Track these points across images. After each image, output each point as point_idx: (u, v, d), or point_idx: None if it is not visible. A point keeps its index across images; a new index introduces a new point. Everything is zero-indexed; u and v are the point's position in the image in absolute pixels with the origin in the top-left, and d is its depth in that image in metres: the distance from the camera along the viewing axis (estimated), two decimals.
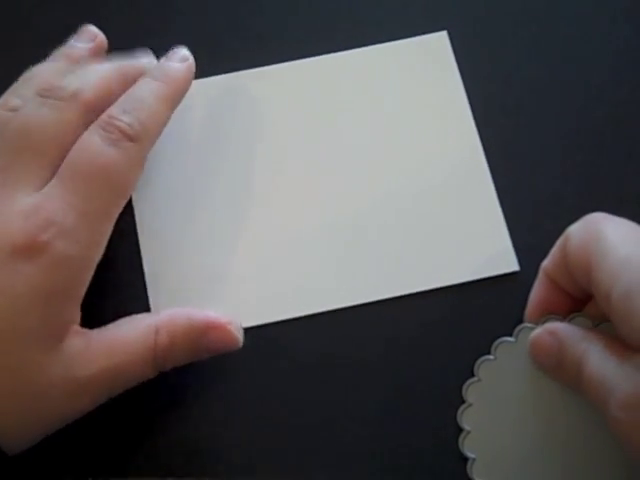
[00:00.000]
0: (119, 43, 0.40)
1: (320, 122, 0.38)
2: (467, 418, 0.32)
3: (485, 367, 0.33)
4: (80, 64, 0.36)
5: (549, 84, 0.39)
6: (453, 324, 0.35)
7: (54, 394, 0.29)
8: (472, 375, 0.33)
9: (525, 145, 0.38)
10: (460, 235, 0.36)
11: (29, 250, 0.29)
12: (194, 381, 0.34)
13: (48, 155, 0.32)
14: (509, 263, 0.36)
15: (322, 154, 0.38)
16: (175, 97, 0.35)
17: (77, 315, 0.30)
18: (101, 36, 0.38)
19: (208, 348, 0.32)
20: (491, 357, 0.33)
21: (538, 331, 0.31)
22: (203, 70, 0.39)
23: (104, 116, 0.32)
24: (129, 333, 0.31)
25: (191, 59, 0.36)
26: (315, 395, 0.34)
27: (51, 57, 0.37)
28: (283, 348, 0.35)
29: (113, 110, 0.33)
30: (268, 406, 0.34)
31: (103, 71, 0.35)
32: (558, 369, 0.30)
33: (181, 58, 0.36)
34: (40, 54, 0.40)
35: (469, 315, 0.35)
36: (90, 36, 0.37)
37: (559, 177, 0.37)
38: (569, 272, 0.31)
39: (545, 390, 0.31)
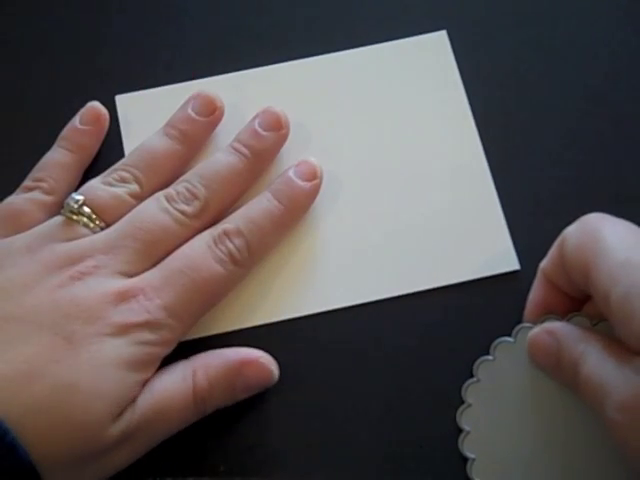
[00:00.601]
0: (119, 43, 0.40)
1: (319, 121, 0.38)
2: (466, 418, 0.32)
3: (484, 367, 0.33)
4: (198, 145, 0.37)
5: (549, 84, 0.39)
6: (454, 323, 0.35)
7: (107, 452, 0.30)
8: (472, 375, 0.33)
9: (525, 145, 0.38)
10: (460, 234, 0.36)
11: (120, 328, 0.31)
12: None
13: (155, 253, 0.33)
14: (510, 262, 0.36)
15: (322, 153, 0.38)
16: (292, 223, 0.36)
17: (139, 390, 0.31)
18: (221, 108, 0.37)
19: (244, 385, 0.33)
20: (490, 357, 0.33)
21: (536, 330, 0.31)
22: (203, 70, 0.39)
23: (219, 229, 0.33)
24: (168, 380, 0.32)
25: (320, 176, 0.36)
26: (314, 395, 0.34)
27: (165, 126, 0.36)
28: (281, 348, 0.35)
29: (229, 226, 0.34)
30: (267, 406, 0.34)
31: (232, 180, 0.35)
32: (556, 369, 0.30)
33: (310, 175, 0.36)
34: (41, 54, 0.40)
35: (470, 314, 0.35)
36: (209, 108, 0.37)
37: (559, 176, 0.37)
38: (567, 273, 0.30)
39: (544, 390, 0.31)
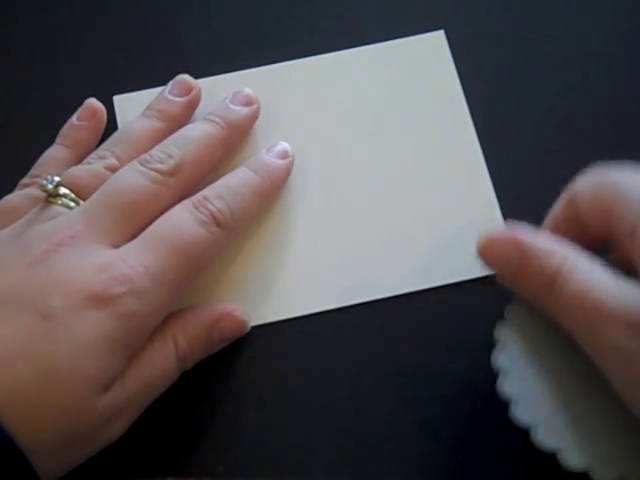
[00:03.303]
0: (118, 43, 0.40)
1: (317, 120, 0.39)
2: (503, 359, 0.30)
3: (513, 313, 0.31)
4: (177, 124, 0.36)
5: (547, 83, 0.39)
6: (452, 322, 0.35)
7: (98, 429, 0.30)
8: (473, 372, 0.32)
9: (523, 144, 0.38)
10: (458, 233, 0.36)
11: (101, 299, 0.30)
12: (193, 383, 0.34)
13: (135, 220, 0.32)
14: None
15: (321, 152, 0.38)
16: (269, 194, 0.36)
17: (126, 365, 0.31)
18: (197, 89, 0.38)
19: (221, 338, 0.34)
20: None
21: (495, 235, 0.29)
22: (202, 70, 0.39)
23: (199, 195, 0.33)
24: (151, 349, 0.32)
25: (292, 156, 0.37)
26: (314, 395, 0.34)
27: (144, 111, 0.37)
28: (281, 349, 0.35)
29: (208, 193, 0.33)
30: (267, 406, 0.34)
31: (206, 143, 0.35)
32: (518, 285, 0.29)
33: (282, 154, 0.37)
34: (41, 54, 0.40)
35: (468, 313, 0.35)
36: (185, 89, 0.38)
37: (557, 176, 0.37)
38: (582, 226, 0.29)
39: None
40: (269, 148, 0.37)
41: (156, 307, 0.31)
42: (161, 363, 0.32)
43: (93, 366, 0.29)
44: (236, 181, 0.35)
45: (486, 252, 0.30)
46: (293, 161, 0.37)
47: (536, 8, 0.41)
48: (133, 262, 0.31)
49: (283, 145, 0.37)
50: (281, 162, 0.36)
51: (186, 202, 0.33)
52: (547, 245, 0.28)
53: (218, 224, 0.33)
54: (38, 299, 0.29)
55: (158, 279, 0.31)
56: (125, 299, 0.30)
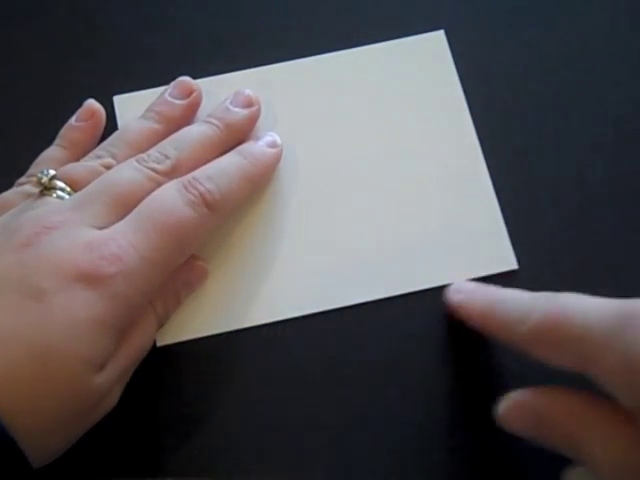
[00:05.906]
0: (118, 43, 0.41)
1: (319, 120, 0.39)
2: None
3: None
4: (176, 126, 0.36)
5: (547, 83, 0.39)
6: (452, 323, 0.35)
7: (92, 408, 0.30)
8: (473, 372, 0.32)
9: (523, 144, 0.38)
10: (458, 234, 0.36)
11: (92, 279, 0.30)
12: (194, 383, 0.34)
13: (126, 209, 0.32)
14: (508, 261, 0.36)
15: (321, 153, 0.38)
16: (258, 179, 0.36)
17: (117, 344, 0.31)
18: (198, 91, 0.38)
19: (188, 292, 0.35)
20: None
21: (506, 405, 0.30)
22: (203, 70, 0.39)
23: (189, 176, 0.33)
24: (138, 320, 0.32)
25: (280, 146, 0.37)
26: (315, 395, 0.34)
27: (144, 113, 0.37)
28: (282, 349, 0.35)
29: (198, 174, 0.33)
30: (268, 406, 0.34)
31: (203, 144, 0.35)
32: (542, 438, 0.30)
33: (271, 143, 0.37)
34: (41, 54, 0.40)
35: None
36: (186, 91, 0.38)
37: (557, 176, 0.37)
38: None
39: None
40: (258, 137, 0.37)
41: (145, 288, 0.31)
42: (147, 333, 0.32)
43: (86, 347, 0.29)
44: (226, 164, 0.35)
45: (505, 422, 0.30)
46: (282, 150, 0.37)
47: (535, 7, 0.41)
48: (123, 242, 0.31)
49: (272, 135, 0.37)
50: (270, 150, 0.37)
51: (175, 182, 0.33)
52: (558, 408, 0.29)
53: (207, 205, 0.33)
54: (28, 281, 0.29)
55: (148, 259, 0.31)
56: (115, 280, 0.30)
